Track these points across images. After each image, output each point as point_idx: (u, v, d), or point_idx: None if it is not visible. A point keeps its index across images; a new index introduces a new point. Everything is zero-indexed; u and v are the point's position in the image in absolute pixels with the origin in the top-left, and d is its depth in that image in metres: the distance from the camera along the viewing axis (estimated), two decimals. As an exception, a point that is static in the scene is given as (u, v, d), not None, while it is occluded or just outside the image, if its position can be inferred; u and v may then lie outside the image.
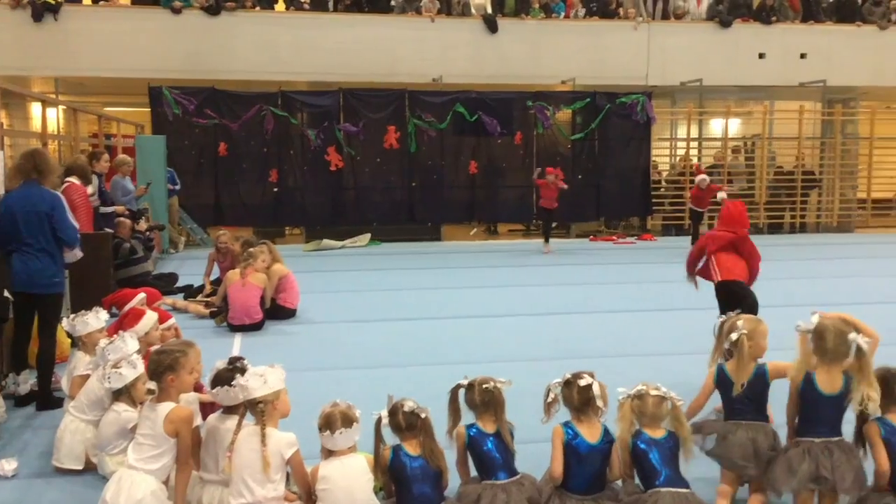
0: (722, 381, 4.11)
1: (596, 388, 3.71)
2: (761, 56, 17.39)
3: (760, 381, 4.06)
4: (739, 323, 4.12)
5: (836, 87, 17.85)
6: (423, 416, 3.70)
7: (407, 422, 3.69)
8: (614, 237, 16.32)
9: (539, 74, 16.46)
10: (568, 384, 3.76)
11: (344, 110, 15.52)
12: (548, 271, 11.96)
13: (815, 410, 3.82)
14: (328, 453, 3.70)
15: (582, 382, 3.72)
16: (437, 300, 9.60)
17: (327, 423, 3.64)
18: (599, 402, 3.70)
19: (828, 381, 3.79)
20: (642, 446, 3.66)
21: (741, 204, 6.53)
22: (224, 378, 3.82)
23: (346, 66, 15.58)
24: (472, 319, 8.46)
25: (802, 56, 17.48)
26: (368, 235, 15.30)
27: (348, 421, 3.64)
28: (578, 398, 3.71)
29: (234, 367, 3.85)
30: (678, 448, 3.68)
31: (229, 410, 3.84)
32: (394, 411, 3.73)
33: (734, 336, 4.06)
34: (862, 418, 3.80)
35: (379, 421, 3.71)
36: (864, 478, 3.74)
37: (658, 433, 3.69)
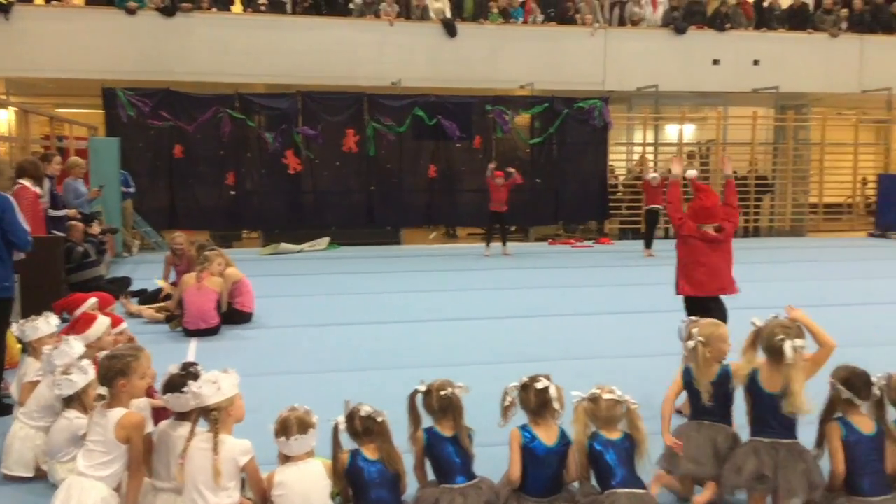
0: (689, 382, 4.16)
1: (552, 391, 3.73)
2: (715, 62, 17.66)
3: (726, 382, 4.10)
4: (695, 330, 4.16)
5: (788, 94, 18.20)
6: (379, 420, 3.69)
7: (364, 426, 3.68)
8: (573, 241, 16.44)
9: (498, 79, 16.53)
10: (525, 387, 3.77)
11: (302, 113, 15.42)
12: (506, 275, 12.00)
13: (761, 408, 3.88)
14: (285, 459, 3.67)
15: (539, 385, 3.74)
16: (396, 304, 9.57)
17: (283, 429, 3.61)
18: (556, 405, 3.72)
19: (769, 380, 3.84)
20: (598, 447, 3.69)
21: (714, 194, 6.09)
22: (176, 384, 3.76)
23: (305, 69, 15.49)
24: (431, 323, 8.44)
25: (755, 63, 17.79)
26: (327, 239, 15.21)
27: (304, 426, 3.60)
28: (535, 401, 3.73)
29: (187, 373, 3.79)
30: (634, 449, 3.71)
31: (182, 417, 3.78)
32: (350, 416, 3.71)
33: (691, 344, 4.12)
34: (825, 417, 3.85)
35: (336, 427, 3.69)
36: (816, 481, 3.76)
37: (614, 434, 3.72)
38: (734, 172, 6.23)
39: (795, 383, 3.74)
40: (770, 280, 10.97)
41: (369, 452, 3.66)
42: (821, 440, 3.85)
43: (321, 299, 9.84)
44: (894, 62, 18.26)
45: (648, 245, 13.98)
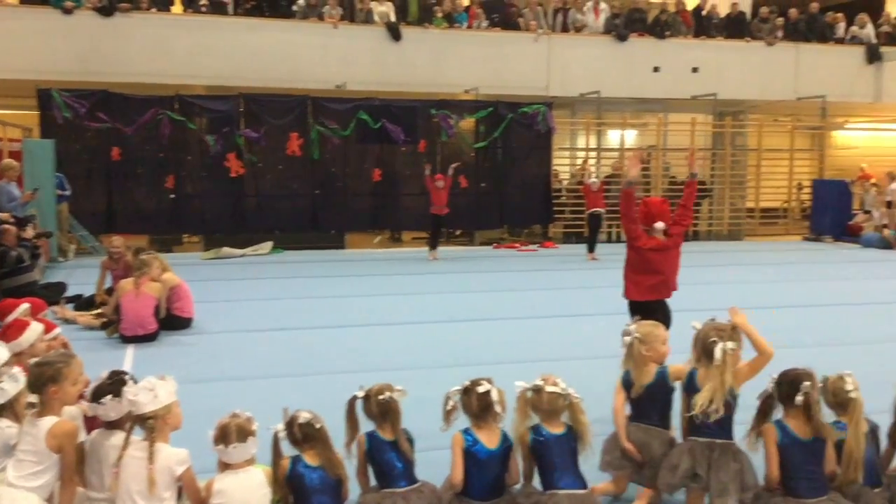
0: (627, 385, 4.20)
1: (494, 394, 3.73)
2: (656, 69, 17.95)
3: (662, 386, 4.16)
4: (632, 328, 4.22)
5: (726, 101, 18.58)
6: (318, 426, 3.65)
7: (303, 433, 3.63)
8: (517, 245, 16.53)
9: (442, 83, 16.55)
10: (467, 391, 3.77)
11: (244, 116, 15.23)
12: (451, 279, 12.01)
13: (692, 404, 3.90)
14: (224, 466, 3.60)
15: (480, 389, 3.74)
16: (339, 309, 9.50)
17: (223, 436, 3.54)
18: (498, 408, 3.73)
19: (705, 380, 3.89)
20: (540, 439, 3.70)
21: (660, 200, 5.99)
22: (105, 392, 3.66)
23: (247, 71, 15.32)
24: (373, 328, 8.41)
25: (694, 70, 18.14)
26: (270, 243, 15.05)
27: (244, 434, 3.54)
28: (477, 405, 3.73)
29: (115, 381, 3.70)
30: (577, 445, 3.73)
31: (112, 425, 3.68)
32: (290, 424, 3.66)
33: (627, 340, 4.16)
34: (759, 417, 3.90)
35: (276, 435, 3.64)
36: (749, 481, 3.82)
37: (557, 429, 3.74)
38: (694, 174, 6.13)
39: (713, 382, 3.80)
40: (710, 283, 11.17)
41: (310, 459, 3.62)
42: (753, 437, 3.88)
43: (263, 304, 9.72)
44: (828, 70, 18.80)
45: (591, 249, 14.14)
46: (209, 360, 7.00)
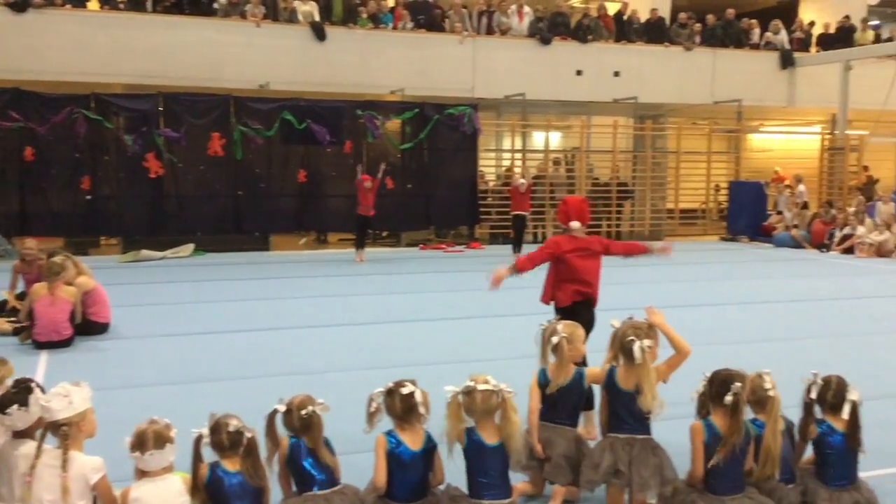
0: (543, 384, 4.22)
1: (418, 396, 3.72)
2: (579, 73, 18.24)
3: (577, 386, 4.21)
4: (559, 327, 4.24)
5: (646, 104, 19.01)
6: (248, 435, 3.57)
7: (230, 441, 3.55)
8: (444, 246, 16.57)
9: (368, 84, 16.50)
10: (390, 393, 3.75)
11: (164, 115, 14.90)
12: (377, 280, 11.97)
13: (617, 405, 3.99)
14: (141, 474, 3.50)
15: (404, 391, 3.72)
16: (264, 311, 9.37)
17: (140, 443, 3.44)
18: (422, 410, 3.71)
19: (624, 378, 3.97)
20: (474, 446, 3.69)
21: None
22: (11, 402, 3.52)
23: (166, 69, 14.99)
24: (298, 330, 8.32)
25: (616, 74, 18.49)
26: (192, 246, 14.75)
27: (161, 441, 3.44)
28: (401, 406, 3.71)
29: (21, 390, 3.56)
30: (509, 455, 3.73)
31: (21, 434, 3.55)
32: (216, 429, 3.56)
33: (555, 339, 4.19)
34: (698, 413, 3.98)
35: (199, 439, 3.55)
36: (668, 476, 3.89)
37: (491, 438, 3.70)
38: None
39: (645, 383, 3.88)
40: (630, 283, 11.37)
41: (230, 464, 3.54)
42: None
43: (184, 308, 9.52)
44: (744, 75, 19.39)
45: (517, 249, 14.26)
46: (126, 366, 6.82)
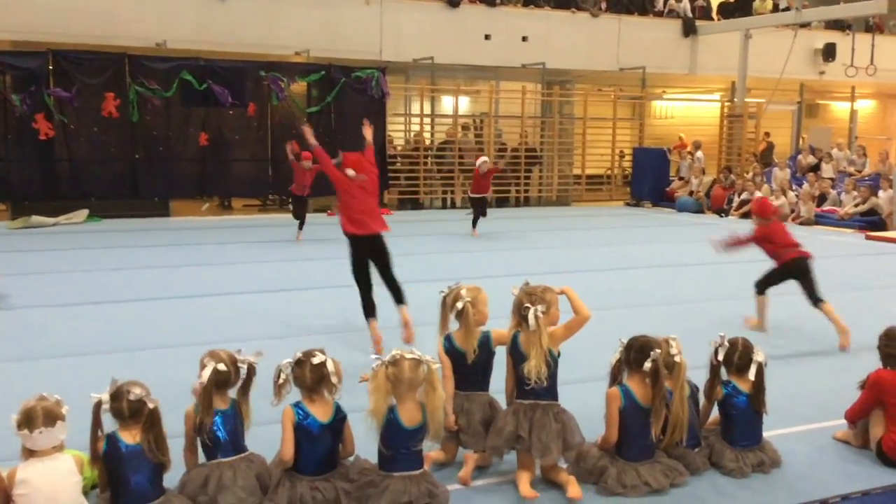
0: (451, 352, 4.12)
1: (330, 365, 3.59)
2: (487, 37, 18.16)
3: (486, 349, 4.13)
4: (463, 292, 4.13)
5: (554, 70, 19.09)
6: (151, 406, 3.39)
7: (131, 410, 3.37)
8: (351, 211, 16.30)
9: (272, 44, 16.03)
10: (300, 363, 3.61)
11: (54, 74, 14.11)
12: (281, 248, 11.70)
13: (521, 370, 3.90)
14: (29, 454, 3.29)
15: (315, 360, 3.59)
16: (164, 280, 9.03)
17: (27, 420, 3.23)
18: (334, 379, 3.59)
19: (526, 344, 3.89)
20: (392, 426, 3.54)
21: None
22: None
23: (56, 25, 14.20)
24: (201, 299, 8.05)
25: (524, 39, 18.50)
26: (86, 211, 14.11)
27: (51, 418, 3.24)
28: (311, 377, 3.57)
29: None
30: (426, 433, 3.61)
31: None
32: (117, 396, 3.38)
33: (459, 305, 4.10)
34: (612, 380, 3.98)
35: (99, 405, 3.36)
36: (571, 440, 3.86)
37: (412, 421, 3.55)
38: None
39: (532, 348, 3.84)
40: (540, 248, 11.47)
41: (129, 437, 3.37)
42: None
43: (78, 276, 9.09)
44: (647, 42, 19.71)
45: (475, 225, 13.61)
46: (16, 338, 6.45)
